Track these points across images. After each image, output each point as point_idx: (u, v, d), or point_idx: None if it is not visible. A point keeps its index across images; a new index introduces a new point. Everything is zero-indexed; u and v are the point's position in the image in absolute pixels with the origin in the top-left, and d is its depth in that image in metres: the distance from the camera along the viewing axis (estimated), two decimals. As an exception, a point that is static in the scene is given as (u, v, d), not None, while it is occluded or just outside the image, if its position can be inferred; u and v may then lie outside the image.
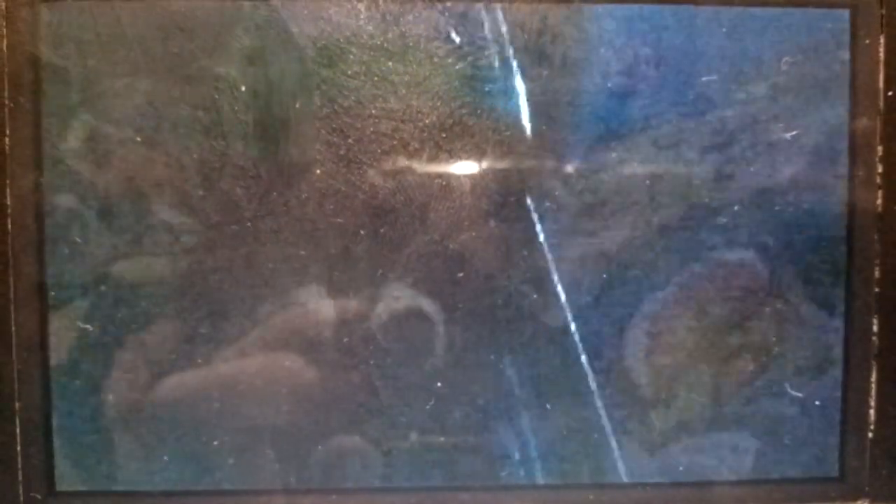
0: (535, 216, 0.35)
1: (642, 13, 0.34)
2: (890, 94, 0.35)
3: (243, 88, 0.34)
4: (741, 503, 0.36)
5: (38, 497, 0.35)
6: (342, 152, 0.34)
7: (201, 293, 0.34)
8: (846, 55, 0.35)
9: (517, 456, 0.36)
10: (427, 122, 0.34)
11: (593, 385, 0.36)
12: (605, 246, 0.35)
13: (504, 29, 0.34)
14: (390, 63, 0.34)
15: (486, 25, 0.34)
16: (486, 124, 0.34)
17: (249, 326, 0.35)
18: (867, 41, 0.35)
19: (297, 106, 0.34)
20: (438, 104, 0.34)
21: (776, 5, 0.35)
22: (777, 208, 0.35)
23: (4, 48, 0.33)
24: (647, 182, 0.35)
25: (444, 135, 0.34)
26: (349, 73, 0.34)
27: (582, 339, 0.35)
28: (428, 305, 0.35)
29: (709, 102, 0.35)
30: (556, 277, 0.35)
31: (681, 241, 0.35)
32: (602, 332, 0.36)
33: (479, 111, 0.34)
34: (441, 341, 0.35)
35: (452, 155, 0.35)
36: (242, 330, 0.35)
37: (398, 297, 0.35)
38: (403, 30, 0.34)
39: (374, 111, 0.34)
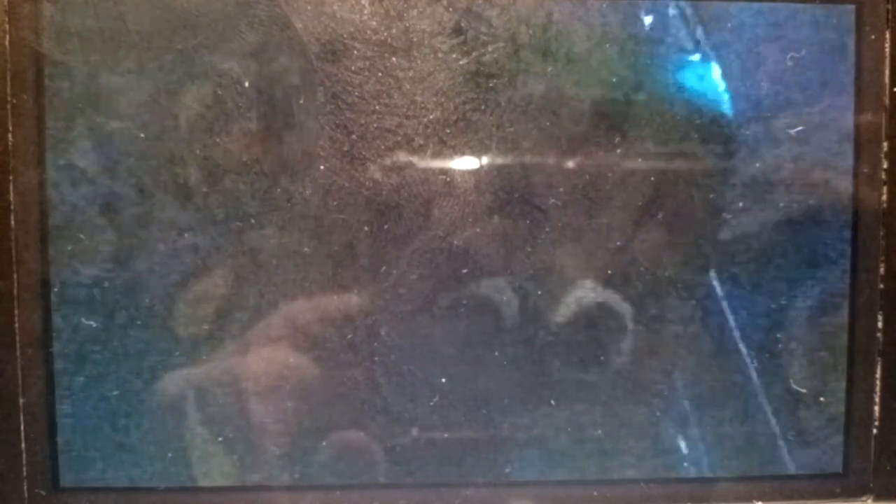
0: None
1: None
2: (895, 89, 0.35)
3: (247, 84, 0.34)
4: (744, 499, 0.36)
5: (43, 493, 0.35)
6: (346, 148, 0.34)
7: (205, 289, 0.34)
8: (851, 50, 0.35)
9: (521, 452, 0.36)
10: (431, 117, 0.34)
11: (597, 382, 0.36)
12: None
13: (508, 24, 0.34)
14: (394, 58, 0.34)
15: (491, 20, 0.34)
16: (490, 120, 0.34)
17: (253, 322, 0.35)
18: (873, 36, 0.35)
19: (301, 102, 0.34)
20: (443, 100, 0.34)
21: (782, 0, 0.35)
22: (781, 204, 0.35)
23: (7, 44, 0.33)
24: (652, 179, 0.35)
25: (448, 130, 0.34)
26: (353, 68, 0.34)
27: (589, 337, 0.36)
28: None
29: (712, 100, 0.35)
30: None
31: (682, 244, 0.35)
32: (608, 330, 0.36)
33: (483, 107, 0.34)
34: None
35: (457, 151, 0.34)
36: (246, 326, 0.35)
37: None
38: (407, 25, 0.34)
39: (377, 107, 0.34)
